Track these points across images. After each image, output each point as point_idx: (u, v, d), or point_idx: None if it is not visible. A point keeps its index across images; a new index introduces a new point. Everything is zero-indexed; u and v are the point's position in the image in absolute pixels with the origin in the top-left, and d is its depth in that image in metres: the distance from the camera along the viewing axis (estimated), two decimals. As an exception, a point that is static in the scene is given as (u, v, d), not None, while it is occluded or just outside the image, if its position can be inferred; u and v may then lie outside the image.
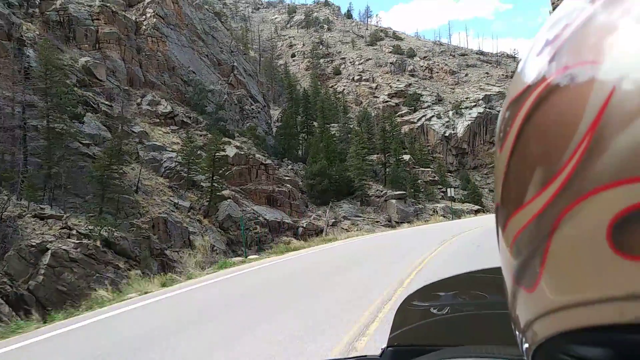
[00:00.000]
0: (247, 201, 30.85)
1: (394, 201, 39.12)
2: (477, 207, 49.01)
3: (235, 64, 42.60)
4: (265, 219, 29.99)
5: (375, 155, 47.78)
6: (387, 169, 44.83)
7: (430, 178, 51.65)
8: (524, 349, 0.35)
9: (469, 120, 76.61)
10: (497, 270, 0.95)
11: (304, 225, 32.17)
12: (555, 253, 0.28)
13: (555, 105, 0.28)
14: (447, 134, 74.74)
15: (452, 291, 1.17)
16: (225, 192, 28.85)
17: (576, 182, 0.27)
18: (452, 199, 36.80)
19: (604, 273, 0.25)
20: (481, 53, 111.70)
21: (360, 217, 37.30)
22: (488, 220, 31.83)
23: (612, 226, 0.25)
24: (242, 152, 31.90)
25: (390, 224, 37.90)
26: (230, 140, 32.75)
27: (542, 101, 0.29)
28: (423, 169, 52.63)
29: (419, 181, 50.11)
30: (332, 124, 58.68)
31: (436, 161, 62.64)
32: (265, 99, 47.14)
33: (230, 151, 31.41)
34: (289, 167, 41.42)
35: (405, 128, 75.41)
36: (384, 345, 1.06)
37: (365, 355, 1.18)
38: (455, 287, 1.19)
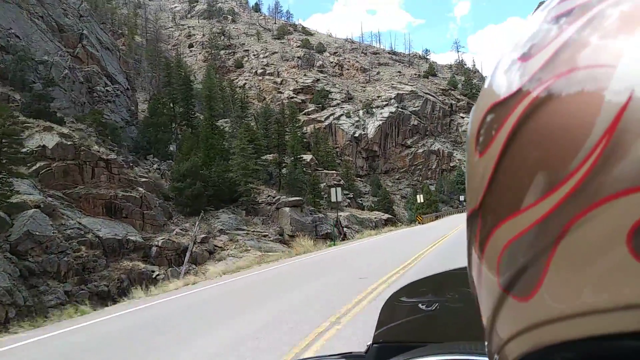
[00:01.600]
0: (73, 211, 22.29)
1: (287, 209, 32.23)
2: (387, 215, 43.50)
3: (85, 32, 33.48)
4: (97, 235, 21.68)
5: (271, 155, 40.77)
6: (283, 170, 37.92)
7: (336, 182, 45.49)
8: (496, 357, 0.34)
9: (380, 120, 72.32)
10: None
11: (160, 244, 24.24)
12: (561, 260, 0.28)
13: (559, 110, 0.28)
14: (356, 135, 69.76)
15: (437, 288, 1.18)
16: (32, 198, 20.18)
17: (590, 187, 0.26)
18: (337, 204, 30.59)
19: (622, 280, 0.25)
20: (393, 53, 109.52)
21: (244, 230, 29.93)
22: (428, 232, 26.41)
23: (633, 232, 0.24)
24: (69, 143, 23.28)
25: (282, 239, 30.98)
26: (54, 125, 23.97)
27: (539, 106, 0.29)
28: (327, 171, 46.40)
29: (322, 185, 43.78)
30: (225, 119, 50.96)
31: (344, 164, 56.91)
32: (130, 81, 38.26)
33: (50, 140, 22.70)
34: (155, 165, 33.06)
35: (311, 127, 69.29)
36: (369, 342, 1.08)
37: (351, 352, 1.21)
38: (440, 284, 1.20)
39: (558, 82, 0.28)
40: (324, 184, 45.21)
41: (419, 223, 37.03)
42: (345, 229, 37.38)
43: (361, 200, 65.22)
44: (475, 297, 0.38)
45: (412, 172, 73.27)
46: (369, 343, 1.12)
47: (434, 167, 74.64)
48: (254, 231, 30.43)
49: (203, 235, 27.13)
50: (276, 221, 32.51)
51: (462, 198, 63.07)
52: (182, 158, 29.95)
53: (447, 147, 77.52)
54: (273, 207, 33.13)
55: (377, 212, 44.97)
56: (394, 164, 73.34)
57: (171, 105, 36.26)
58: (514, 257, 0.31)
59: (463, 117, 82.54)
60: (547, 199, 0.28)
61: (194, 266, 25.58)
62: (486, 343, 0.36)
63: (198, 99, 47.38)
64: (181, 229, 27.63)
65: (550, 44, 0.30)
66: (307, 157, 44.80)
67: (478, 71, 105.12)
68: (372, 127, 71.66)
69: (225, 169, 32.08)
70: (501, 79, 0.34)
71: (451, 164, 75.85)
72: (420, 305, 1.12)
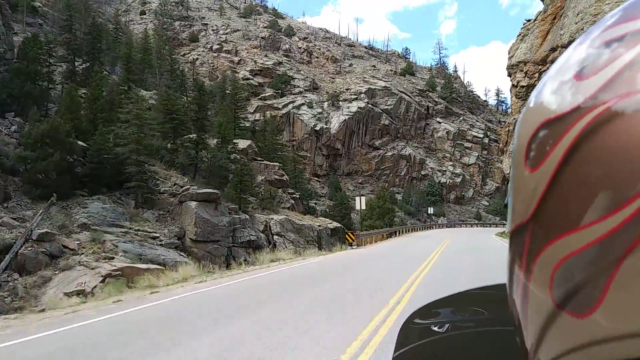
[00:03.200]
0: None
1: (193, 204, 23.85)
2: (335, 224, 35.52)
3: None
4: None
5: (194, 135, 32.29)
6: (203, 153, 29.61)
7: (277, 177, 37.25)
8: None
9: (347, 114, 64.56)
10: (496, 287, 1.08)
11: (-47, 238, 15.49)
12: (624, 279, 0.28)
13: (625, 129, 0.28)
14: (317, 128, 61.76)
15: (452, 308, 1.22)
16: None
17: None
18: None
19: None
20: (371, 48, 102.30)
21: (123, 227, 21.43)
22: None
23: None
24: None
25: (180, 244, 22.65)
26: None
27: (603, 124, 0.29)
28: (269, 163, 38.14)
29: (260, 179, 35.51)
30: (151, 90, 42.12)
31: (295, 159, 48.71)
32: (4, 16, 29.11)
33: None
34: (13, 127, 24.15)
35: (267, 114, 60.90)
36: None
37: None
38: (454, 304, 1.22)
39: (623, 102, 0.29)
40: (263, 177, 36.94)
41: (351, 245, 28.55)
42: (276, 238, 29.15)
43: (315, 203, 57.20)
44: (515, 314, 0.37)
45: (378, 176, 65.73)
46: None
47: (402, 173, 67.33)
48: (138, 230, 21.93)
49: (45, 231, 18.47)
50: (177, 219, 24.06)
51: (430, 211, 55.44)
52: (34, 118, 21.18)
53: (419, 153, 70.41)
54: (176, 200, 24.66)
55: (324, 219, 36.82)
56: (358, 166, 65.63)
57: (48, 48, 27.27)
58: (570, 274, 0.31)
59: (440, 123, 75.71)
60: (611, 217, 0.28)
61: (17, 278, 17.15)
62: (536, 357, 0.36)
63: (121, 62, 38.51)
64: (16, 217, 18.93)
65: (608, 67, 0.31)
66: (244, 143, 36.41)
67: (459, 77, 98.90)
68: (336, 121, 63.84)
69: (112, 141, 23.47)
70: (551, 97, 0.35)
71: (422, 172, 68.73)
72: (432, 327, 1.11)
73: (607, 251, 0.28)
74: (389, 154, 66.94)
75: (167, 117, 29.81)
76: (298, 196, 41.25)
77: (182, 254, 22.22)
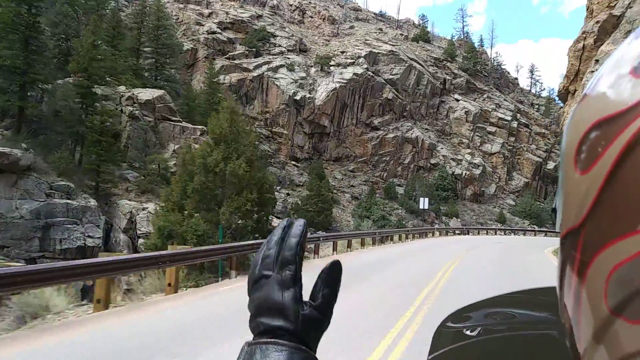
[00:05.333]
0: None
1: None
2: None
3: None
4: None
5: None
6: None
7: (194, 144, 25.20)
8: None
9: (338, 82, 52.14)
10: (528, 292, 1.20)
11: None
12: None
13: None
14: (298, 97, 49.47)
15: (483, 311, 1.24)
16: None
17: None
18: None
19: None
20: (382, 15, 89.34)
21: None
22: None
23: None
24: None
25: None
26: None
27: None
28: (189, 125, 26.23)
29: (174, 148, 23.76)
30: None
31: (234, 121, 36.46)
32: None
33: None
34: None
35: (232, 77, 48.88)
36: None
37: None
38: (486, 307, 1.26)
39: None
40: (178, 146, 25.00)
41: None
42: (142, 242, 17.20)
43: (287, 194, 45.06)
44: (566, 319, 0.37)
45: (375, 163, 53.32)
46: None
47: (407, 161, 54.81)
48: None
49: None
50: None
51: (424, 205, 42.39)
52: None
53: (429, 137, 57.77)
54: None
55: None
56: (350, 150, 53.26)
57: None
58: (628, 279, 0.30)
59: (458, 100, 62.88)
60: None
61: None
62: None
63: None
64: None
65: None
66: (146, 94, 24.42)
67: (485, 53, 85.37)
68: (323, 90, 51.44)
69: None
70: (605, 95, 0.33)
71: (432, 161, 56.12)
72: (464, 330, 1.15)
73: None
74: (391, 135, 54.43)
75: None
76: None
77: None
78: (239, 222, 16.59)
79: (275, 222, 22.74)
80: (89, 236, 15.92)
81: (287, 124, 49.64)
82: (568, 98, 27.01)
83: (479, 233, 45.00)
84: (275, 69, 51.00)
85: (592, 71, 22.28)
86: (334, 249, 21.33)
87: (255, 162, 17.61)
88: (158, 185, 20.86)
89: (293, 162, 49.19)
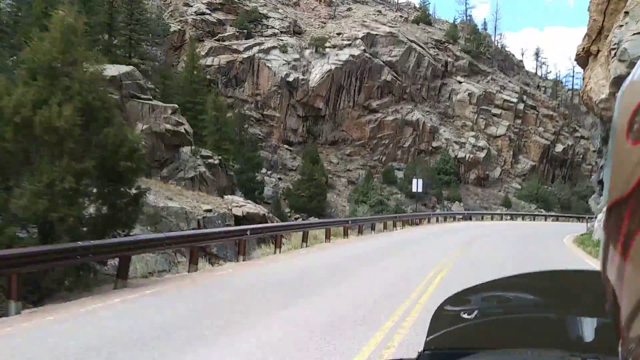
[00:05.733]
0: None
1: None
2: (257, 209, 21.56)
3: None
4: None
5: None
6: None
7: (171, 126, 23.67)
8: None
9: (334, 63, 50.11)
10: (526, 276, 1.35)
11: None
12: None
13: None
14: (291, 79, 47.53)
15: (480, 295, 1.30)
16: None
17: None
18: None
19: None
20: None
21: None
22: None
23: None
24: None
25: None
26: None
27: None
28: (159, 103, 24.50)
29: (141, 128, 22.05)
30: None
31: (217, 103, 34.98)
32: None
33: None
34: None
35: (221, 59, 47.12)
36: (420, 349, 1.23)
37: (401, 359, 1.37)
38: (484, 291, 1.31)
39: None
40: (147, 126, 23.25)
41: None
42: None
43: (280, 178, 43.25)
44: (608, 292, 0.37)
45: (373, 147, 51.31)
46: (419, 350, 1.18)
47: (407, 144, 52.75)
48: None
49: None
50: None
51: (415, 187, 38.97)
52: None
53: (431, 120, 55.61)
54: None
55: (252, 205, 22.82)
56: (347, 133, 51.30)
57: None
58: None
59: (460, 83, 60.64)
60: None
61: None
62: (620, 341, 0.35)
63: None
64: None
65: None
66: (112, 70, 22.61)
67: (489, 36, 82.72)
68: (318, 71, 49.47)
69: None
70: None
71: (434, 144, 54.02)
72: (462, 314, 1.20)
73: None
74: (390, 118, 52.34)
75: None
76: (217, 162, 27.16)
77: None
78: (55, 211, 9.07)
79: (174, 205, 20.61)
80: None
81: (279, 107, 47.74)
82: (589, 61, 24.03)
83: (482, 218, 42.74)
84: (266, 51, 49.08)
85: (621, 25, 19.60)
86: (304, 239, 16.91)
87: (105, 113, 10.53)
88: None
89: (286, 146, 47.33)
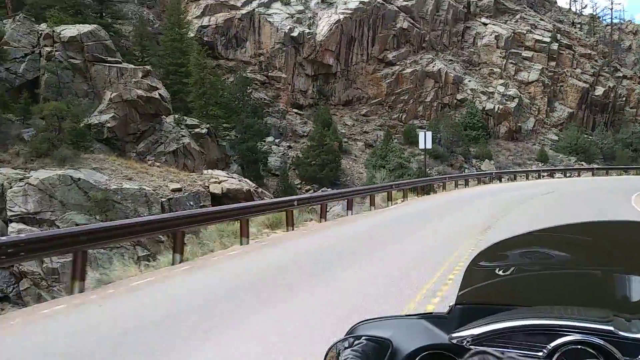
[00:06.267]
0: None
1: None
2: (238, 184, 17.66)
3: None
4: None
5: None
6: None
7: (143, 92, 19.92)
8: None
9: (342, 13, 45.28)
10: (566, 229, 1.20)
11: None
12: None
13: None
14: (296, 34, 43.05)
15: (518, 250, 1.24)
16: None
17: None
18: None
19: None
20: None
21: None
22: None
23: None
24: None
25: None
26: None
27: None
28: (129, 66, 20.56)
29: (110, 96, 18.28)
30: None
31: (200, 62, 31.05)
32: None
33: None
34: None
35: (218, 17, 42.94)
36: (452, 303, 1.21)
37: (431, 313, 1.34)
38: (521, 247, 1.25)
39: None
40: (116, 93, 19.62)
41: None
42: (19, 231, 12.06)
43: (290, 146, 39.58)
44: None
45: (392, 105, 46.87)
46: (451, 304, 1.20)
47: (429, 99, 48.06)
48: None
49: None
50: None
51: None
52: None
53: (454, 69, 50.57)
54: None
55: (235, 180, 19.26)
56: (362, 91, 46.89)
57: None
58: None
59: (486, 25, 54.97)
60: None
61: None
62: None
63: None
64: None
65: None
66: (72, 30, 18.98)
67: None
68: (325, 23, 44.76)
69: None
70: None
71: (458, 97, 49.18)
72: (497, 270, 1.17)
73: None
74: (408, 70, 47.54)
75: None
76: (205, 131, 23.52)
77: None
78: None
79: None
80: None
81: (285, 67, 43.44)
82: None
83: (515, 179, 38.30)
84: (267, 4, 44.46)
85: None
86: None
87: None
88: (58, 146, 15.55)
89: (295, 110, 43.29)
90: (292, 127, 42.08)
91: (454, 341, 1.12)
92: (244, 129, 29.88)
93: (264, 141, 37.61)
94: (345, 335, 1.44)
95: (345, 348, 1.33)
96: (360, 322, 1.52)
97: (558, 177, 39.50)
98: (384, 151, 38.99)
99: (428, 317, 1.23)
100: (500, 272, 1.15)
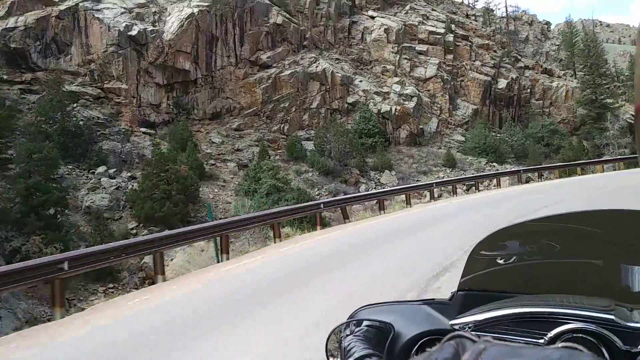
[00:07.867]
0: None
1: None
2: None
3: None
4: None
5: None
6: None
7: None
8: None
9: (198, 6, 37.24)
10: (570, 218, 1.17)
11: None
12: None
13: None
14: (134, 32, 34.12)
15: (518, 240, 1.26)
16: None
17: None
18: None
19: None
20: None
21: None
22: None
23: None
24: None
25: None
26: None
27: None
28: None
29: None
30: None
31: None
32: None
33: None
34: None
35: (29, 17, 33.12)
36: (454, 290, 1.24)
37: (433, 299, 1.38)
38: (520, 236, 1.27)
39: None
40: None
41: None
42: None
43: (130, 174, 30.42)
44: None
45: (270, 115, 39.10)
46: (453, 291, 1.23)
47: (315, 104, 40.81)
48: None
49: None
50: None
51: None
52: None
53: (342, 69, 43.82)
54: None
55: None
56: (233, 99, 38.74)
57: None
58: None
59: (374, 18, 48.98)
60: None
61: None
62: None
63: None
64: None
65: None
66: None
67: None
68: (175, 18, 36.26)
69: None
70: None
71: (349, 100, 42.33)
72: (498, 259, 1.19)
73: None
74: (287, 73, 40.07)
75: None
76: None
77: None
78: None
79: None
80: None
81: (126, 75, 34.28)
82: None
83: (421, 197, 31.30)
84: (96, -2, 35.20)
85: None
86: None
87: None
88: None
89: (144, 130, 34.12)
90: (139, 152, 32.84)
91: (456, 327, 1.15)
92: (26, 158, 20.41)
93: (93, 172, 28.28)
94: (347, 319, 1.46)
95: (347, 334, 1.35)
96: (362, 306, 1.55)
97: (506, 188, 33.21)
98: (255, 172, 30.91)
99: (430, 302, 1.29)
100: (501, 261, 1.15)
